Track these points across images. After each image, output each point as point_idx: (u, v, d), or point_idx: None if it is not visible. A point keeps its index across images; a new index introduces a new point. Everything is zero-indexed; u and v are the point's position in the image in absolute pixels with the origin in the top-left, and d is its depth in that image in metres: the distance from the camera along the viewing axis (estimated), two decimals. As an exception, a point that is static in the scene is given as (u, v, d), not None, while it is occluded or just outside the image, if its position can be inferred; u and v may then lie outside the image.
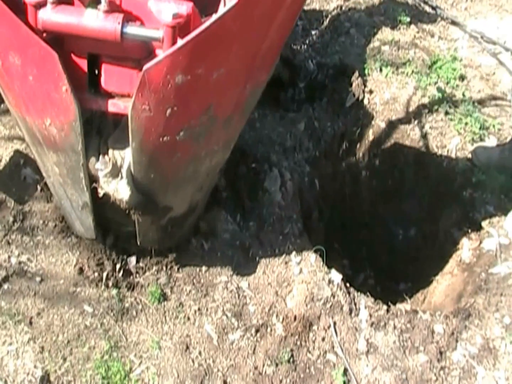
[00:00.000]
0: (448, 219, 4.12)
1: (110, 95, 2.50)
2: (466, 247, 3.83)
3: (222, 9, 2.97)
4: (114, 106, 2.49)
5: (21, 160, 3.45)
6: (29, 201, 3.29)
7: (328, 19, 5.03)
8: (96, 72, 2.51)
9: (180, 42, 2.21)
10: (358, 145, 4.36)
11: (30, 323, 2.97)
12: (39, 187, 3.34)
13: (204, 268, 3.22)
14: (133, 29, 2.31)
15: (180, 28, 2.27)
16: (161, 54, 2.27)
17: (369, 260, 4.54)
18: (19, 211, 3.24)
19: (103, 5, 2.32)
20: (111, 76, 2.48)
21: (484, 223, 3.81)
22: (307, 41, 4.76)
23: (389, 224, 4.47)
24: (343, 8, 5.16)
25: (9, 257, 3.09)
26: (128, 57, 2.43)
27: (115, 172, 2.60)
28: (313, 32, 4.88)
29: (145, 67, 2.19)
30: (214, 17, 2.13)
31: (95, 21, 2.32)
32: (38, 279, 3.05)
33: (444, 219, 4.16)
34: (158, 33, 2.28)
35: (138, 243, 3.06)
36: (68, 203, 2.92)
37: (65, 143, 2.54)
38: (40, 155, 2.79)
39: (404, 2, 5.33)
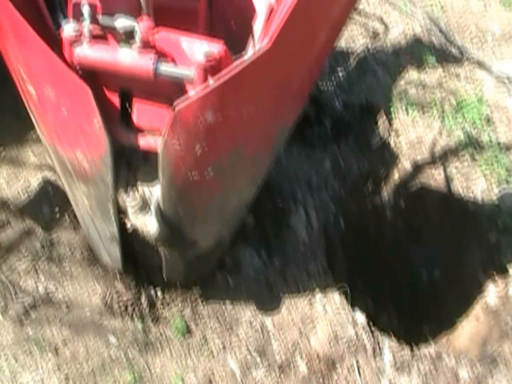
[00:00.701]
0: (474, 262, 4.09)
1: (141, 130, 2.56)
2: (491, 292, 3.80)
3: (251, 49, 3.04)
4: (144, 141, 2.54)
5: (50, 189, 3.51)
6: (57, 230, 3.34)
7: (354, 58, 5.09)
8: (128, 107, 2.57)
9: (211, 81, 2.27)
10: (383, 185, 4.37)
11: (56, 351, 2.99)
12: (67, 216, 3.39)
13: (228, 303, 3.23)
14: (166, 68, 2.37)
15: (211, 67, 2.32)
16: (192, 92, 2.34)
17: (393, 299, 4.51)
18: (47, 239, 3.29)
19: (137, 43, 2.39)
20: (142, 112, 2.54)
21: (511, 268, 3.78)
22: (333, 79, 4.81)
23: (413, 265, 4.44)
24: (370, 47, 5.22)
25: (36, 285, 3.12)
26: (160, 93, 2.49)
27: (144, 206, 2.64)
28: (339, 71, 4.93)
29: (177, 105, 2.23)
30: (245, 58, 2.18)
31: (129, 59, 2.38)
32: (64, 307, 3.08)
33: (469, 262, 4.14)
34: (190, 72, 2.34)
35: (164, 276, 3.08)
36: (96, 234, 2.96)
37: (96, 175, 2.59)
38: (70, 186, 2.84)
39: (430, 43, 5.37)
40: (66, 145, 2.61)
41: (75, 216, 3.25)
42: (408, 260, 4.45)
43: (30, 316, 3.01)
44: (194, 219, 2.77)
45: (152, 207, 2.63)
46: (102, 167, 2.53)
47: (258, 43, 3.68)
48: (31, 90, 2.51)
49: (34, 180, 3.54)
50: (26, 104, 2.70)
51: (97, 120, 2.38)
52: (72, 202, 2.99)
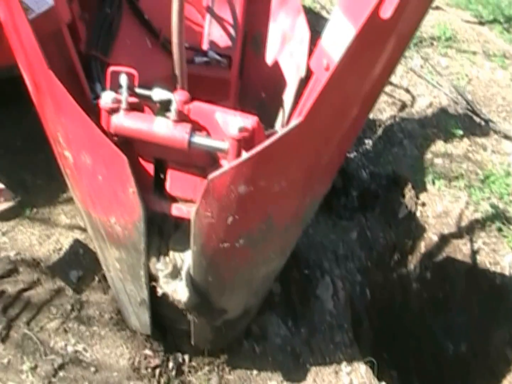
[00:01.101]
0: (501, 337, 4.03)
1: (174, 199, 2.61)
2: (519, 368, 3.74)
3: (280, 120, 3.12)
4: (177, 210, 2.59)
5: (81, 250, 3.55)
6: (86, 291, 3.37)
7: (381, 129, 5.15)
8: (162, 176, 2.63)
9: (245, 154, 2.32)
10: (409, 257, 4.37)
11: (83, 413, 2.99)
12: (96, 278, 3.43)
13: (255, 372, 3.21)
14: (200, 139, 2.43)
15: (244, 140, 2.39)
16: (225, 164, 2.38)
17: (418, 372, 4.44)
18: (77, 300, 3.32)
19: (173, 114, 2.45)
20: (176, 181, 2.59)
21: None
22: (360, 150, 4.87)
23: (439, 337, 4.39)
24: (396, 118, 5.29)
25: (65, 345, 3.13)
26: (194, 164, 2.55)
27: (174, 273, 2.67)
28: (366, 141, 4.98)
29: (210, 176, 2.28)
30: (278, 133, 2.24)
31: (164, 129, 2.44)
32: (92, 369, 3.08)
33: (497, 337, 4.08)
34: (224, 144, 2.39)
35: (192, 342, 3.08)
36: (125, 298, 2.99)
37: (128, 241, 2.63)
38: (102, 249, 2.89)
39: (457, 114, 5.43)
40: (100, 210, 2.67)
41: (104, 278, 3.29)
42: (434, 333, 4.40)
43: (58, 376, 3.01)
44: (223, 288, 2.79)
45: (183, 274, 2.66)
46: (135, 234, 2.58)
47: (287, 114, 3.78)
48: (67, 155, 2.58)
49: (65, 241, 3.59)
50: (61, 168, 2.76)
51: (132, 189, 2.44)
52: (103, 265, 3.03)
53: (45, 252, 3.52)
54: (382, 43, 2.20)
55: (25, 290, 3.30)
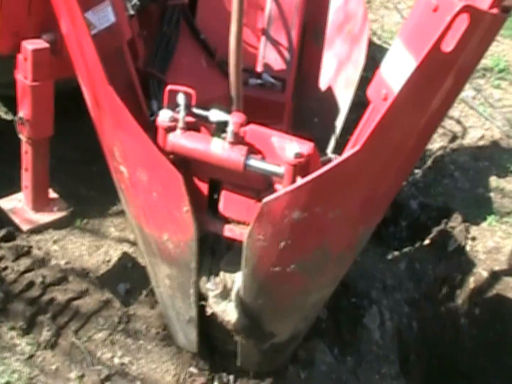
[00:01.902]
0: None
1: (227, 220, 2.63)
2: None
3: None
4: (230, 231, 2.61)
5: (129, 263, 3.60)
6: (134, 305, 3.40)
7: (432, 159, 5.10)
8: (216, 196, 2.66)
9: (300, 180, 2.34)
10: (458, 292, 4.28)
11: (127, 424, 3.00)
12: (144, 292, 3.46)
13: (299, 397, 3.19)
14: (256, 162, 2.45)
15: (300, 166, 2.39)
16: (280, 189, 2.40)
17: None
18: (124, 313, 3.34)
19: (229, 136, 2.48)
20: (230, 203, 2.61)
21: None
22: (410, 180, 4.82)
23: (491, 378, 4.26)
24: (447, 149, 5.23)
25: (112, 356, 3.16)
26: (248, 186, 2.57)
27: (225, 294, 2.68)
28: (416, 171, 4.94)
29: (265, 200, 2.30)
30: (335, 161, 2.25)
31: (221, 150, 2.47)
32: (138, 382, 3.09)
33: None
34: (280, 169, 2.41)
35: (239, 363, 3.07)
36: (173, 314, 3.00)
37: (180, 259, 2.66)
38: (153, 265, 2.92)
39: (509, 149, 5.34)
40: (153, 226, 2.70)
41: (152, 293, 3.31)
42: (485, 372, 4.29)
43: (104, 387, 3.07)
44: (273, 311, 2.78)
45: (233, 296, 2.67)
46: (187, 252, 2.60)
47: (334, 141, 3.78)
48: (123, 171, 2.64)
49: (114, 253, 3.65)
50: (116, 182, 2.81)
51: (186, 207, 2.46)
52: (153, 280, 3.06)
53: (94, 263, 3.58)
54: (442, 77, 2.20)
55: (74, 299, 3.36)
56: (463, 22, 2.01)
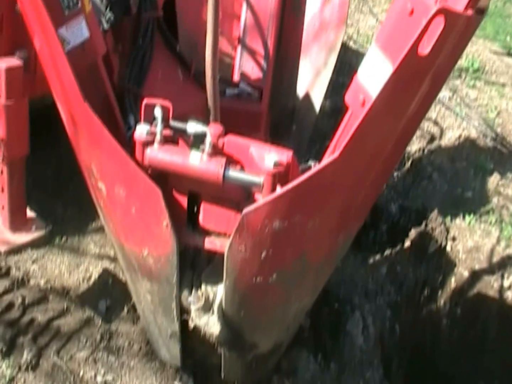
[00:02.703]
0: (536, 378, 3.94)
1: (207, 233, 2.61)
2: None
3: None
4: (210, 243, 2.59)
5: (110, 280, 3.56)
6: (116, 321, 3.37)
7: (410, 162, 5.12)
8: (195, 209, 2.63)
9: (279, 189, 2.32)
10: (440, 293, 4.30)
11: None
12: (126, 309, 3.42)
13: (284, 407, 3.19)
14: (235, 173, 2.43)
15: (280, 175, 2.38)
16: (260, 198, 2.39)
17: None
18: (106, 330, 3.31)
19: (207, 148, 2.46)
20: (209, 215, 2.59)
21: None
22: (389, 183, 4.84)
23: (471, 379, 4.29)
24: (425, 151, 5.25)
25: (95, 375, 3.13)
26: (228, 198, 2.55)
27: (207, 306, 2.67)
28: (395, 174, 4.96)
29: (245, 210, 2.29)
30: (314, 169, 2.24)
31: (199, 163, 2.45)
32: (122, 400, 3.07)
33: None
34: (259, 179, 2.39)
35: (222, 376, 3.05)
36: (156, 330, 2.97)
37: (161, 273, 2.63)
38: (134, 281, 2.89)
39: (487, 148, 5.38)
40: (133, 242, 2.68)
41: (134, 308, 3.29)
42: (465, 373, 4.31)
43: (88, 407, 3.02)
44: (255, 322, 2.77)
45: (215, 308, 2.65)
46: (167, 267, 2.58)
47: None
48: (101, 187, 2.61)
49: (94, 270, 3.61)
50: (94, 199, 2.79)
51: (166, 222, 2.44)
52: (134, 296, 3.04)
53: (75, 281, 3.54)
54: (420, 80, 2.21)
55: (54, 318, 3.31)
56: (439, 25, 2.01)
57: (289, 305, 2.76)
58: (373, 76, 2.33)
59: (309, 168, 2.47)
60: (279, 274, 2.51)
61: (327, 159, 2.23)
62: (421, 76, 2.19)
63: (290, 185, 2.23)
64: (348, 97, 2.47)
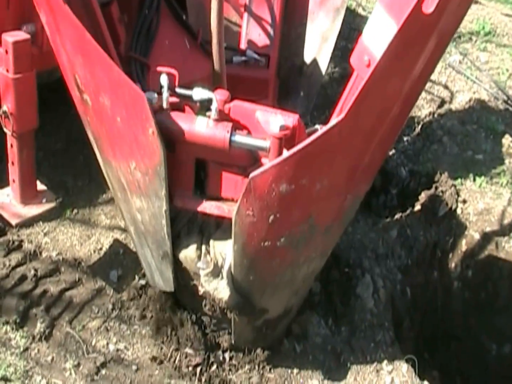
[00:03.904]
0: (546, 338, 3.95)
1: (215, 199, 2.62)
2: None
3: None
4: (218, 209, 2.60)
5: (121, 250, 3.59)
6: (127, 290, 3.39)
7: (420, 126, 5.08)
8: (203, 176, 2.65)
9: (286, 152, 2.32)
10: (450, 255, 4.28)
11: (125, 409, 3.01)
12: (136, 277, 3.45)
13: (295, 371, 3.18)
14: (241, 138, 2.45)
15: (286, 138, 2.39)
16: (267, 163, 2.39)
17: (460, 374, 4.36)
18: (118, 299, 3.34)
19: (213, 114, 2.48)
20: (217, 181, 2.61)
21: None
22: (399, 148, 4.81)
23: (482, 338, 4.29)
24: (435, 115, 5.21)
25: (107, 343, 3.16)
26: (234, 163, 2.56)
27: (216, 272, 2.68)
28: (405, 139, 4.92)
29: (252, 175, 2.29)
30: (320, 131, 2.23)
31: (205, 129, 2.47)
32: (134, 367, 3.09)
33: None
34: (265, 143, 2.41)
35: (233, 341, 3.08)
36: (148, 253, 2.93)
37: (149, 188, 2.58)
38: (124, 202, 2.84)
39: (498, 110, 5.33)
40: (120, 157, 2.64)
41: (144, 275, 3.31)
42: (476, 333, 4.32)
43: (101, 374, 3.04)
44: (264, 287, 2.78)
45: (224, 273, 2.67)
46: (155, 179, 2.52)
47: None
48: (86, 99, 2.57)
49: (105, 241, 3.64)
50: (82, 117, 2.74)
51: (152, 129, 2.39)
52: (126, 221, 2.99)
53: (86, 252, 3.57)
54: (424, 39, 2.19)
55: (66, 289, 3.36)
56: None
57: (298, 268, 2.76)
58: (378, 36, 2.32)
59: (316, 131, 2.46)
60: (287, 237, 2.51)
61: (333, 120, 2.22)
62: (426, 36, 2.17)
63: (296, 148, 2.22)
64: (354, 59, 2.45)
